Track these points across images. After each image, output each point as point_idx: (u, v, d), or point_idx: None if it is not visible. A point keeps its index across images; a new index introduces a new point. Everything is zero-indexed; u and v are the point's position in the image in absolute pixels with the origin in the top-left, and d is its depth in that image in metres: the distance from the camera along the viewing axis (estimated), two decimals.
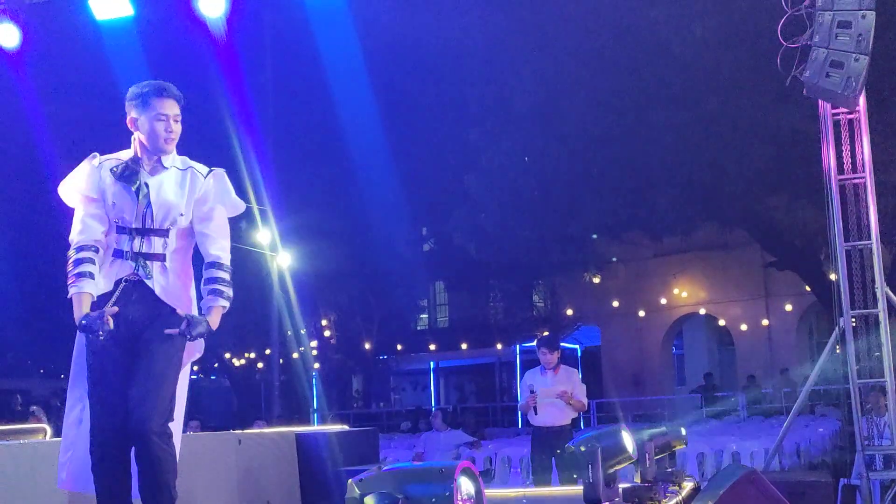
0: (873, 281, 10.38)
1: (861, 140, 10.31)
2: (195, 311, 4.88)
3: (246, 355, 34.12)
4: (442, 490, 3.58)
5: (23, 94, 16.30)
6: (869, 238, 10.35)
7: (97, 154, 4.96)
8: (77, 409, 4.97)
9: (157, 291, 4.80)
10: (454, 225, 22.85)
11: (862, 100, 10.05)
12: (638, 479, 6.15)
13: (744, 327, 32.27)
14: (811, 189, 12.75)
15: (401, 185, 21.87)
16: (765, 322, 31.98)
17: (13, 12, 11.77)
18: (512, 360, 34.49)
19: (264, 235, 22.87)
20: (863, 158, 10.34)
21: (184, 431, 5.15)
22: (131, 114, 4.90)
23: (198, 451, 7.01)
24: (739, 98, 16.46)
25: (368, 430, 10.17)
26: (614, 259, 30.06)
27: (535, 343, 11.23)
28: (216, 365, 37.38)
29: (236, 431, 8.78)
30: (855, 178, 10.42)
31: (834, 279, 10.94)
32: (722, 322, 33.17)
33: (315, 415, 28.78)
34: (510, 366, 35.14)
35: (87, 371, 4.81)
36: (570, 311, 34.41)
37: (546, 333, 17.46)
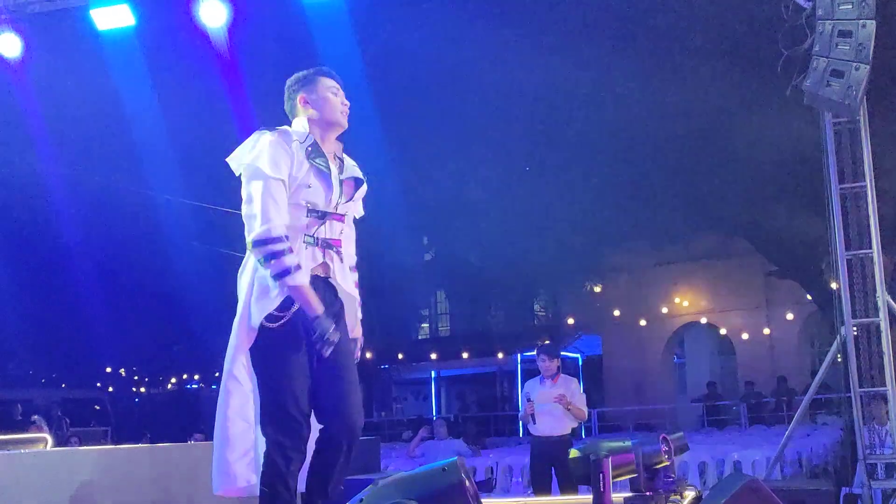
0: (875, 289, 10.39)
1: (862, 148, 10.32)
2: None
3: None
4: (452, 481, 3.57)
5: (24, 104, 16.31)
6: (870, 247, 10.36)
7: (287, 127, 4.79)
8: (247, 407, 4.64)
9: (339, 279, 4.70)
10: (455, 234, 22.87)
11: (862, 108, 10.06)
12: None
13: (745, 336, 32.25)
14: (812, 197, 12.75)
15: (402, 194, 21.89)
16: (766, 331, 31.96)
17: (15, 22, 11.80)
18: (513, 370, 34.48)
19: None
20: (863, 167, 10.35)
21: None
22: (300, 95, 4.83)
23: (199, 461, 7.01)
24: (740, 107, 16.49)
25: (370, 439, 10.16)
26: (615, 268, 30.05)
27: (535, 352, 11.24)
28: (217, 374, 37.40)
29: None
30: (856, 187, 10.43)
31: (835, 288, 10.95)
32: (723, 331, 33.15)
33: None
34: (511, 375, 35.11)
35: (282, 369, 4.49)
36: (571, 321, 34.39)
37: (546, 342, 17.46)
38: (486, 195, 20.15)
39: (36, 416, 18.10)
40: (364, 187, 4.95)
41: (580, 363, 35.66)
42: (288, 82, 4.95)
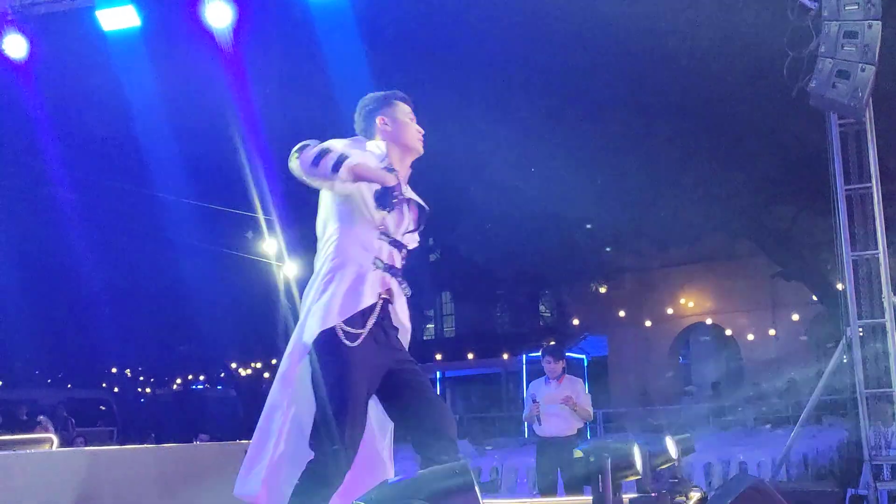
0: (880, 290, 10.38)
1: (868, 149, 10.31)
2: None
3: (252, 365, 34.17)
4: (464, 481, 3.55)
5: (30, 105, 16.34)
6: (876, 247, 10.35)
7: (362, 137, 4.72)
8: (299, 419, 4.53)
9: (398, 308, 4.58)
10: (460, 235, 22.86)
11: (868, 110, 10.05)
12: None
13: (751, 337, 32.23)
14: (818, 198, 12.76)
15: None
16: (771, 332, 31.93)
17: (20, 23, 11.82)
18: (518, 370, 34.47)
19: (270, 245, 22.91)
20: (869, 168, 10.34)
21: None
22: (379, 116, 4.75)
23: (204, 462, 7.03)
24: (746, 108, 16.47)
25: None
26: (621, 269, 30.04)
27: (540, 353, 11.22)
28: (222, 375, 37.45)
29: (242, 442, 8.78)
30: (861, 188, 10.42)
31: (841, 289, 10.95)
32: (729, 332, 33.12)
33: None
34: (517, 376, 35.09)
35: (346, 385, 4.33)
36: (576, 321, 34.40)
37: (552, 343, 17.45)
38: (492, 196, 20.14)
39: (42, 417, 18.12)
40: (424, 217, 4.86)
41: (586, 364, 35.65)
42: (363, 102, 4.88)
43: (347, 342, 4.30)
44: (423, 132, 4.81)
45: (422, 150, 4.76)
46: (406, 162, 4.74)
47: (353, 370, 4.31)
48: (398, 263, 4.57)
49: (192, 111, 19.28)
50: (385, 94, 4.82)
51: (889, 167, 13.70)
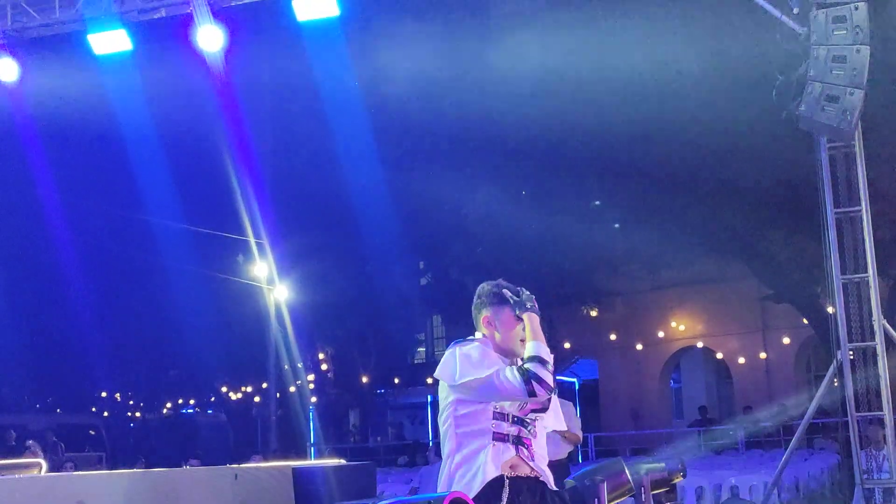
0: (871, 313, 10.38)
1: (857, 172, 10.34)
2: None
3: (243, 389, 34.09)
4: None
5: (21, 130, 16.35)
6: (866, 271, 10.36)
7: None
8: None
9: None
10: (451, 259, 22.88)
11: (858, 133, 10.09)
12: None
13: (742, 360, 32.23)
14: (808, 222, 12.79)
15: (399, 219, 21.92)
16: (762, 355, 31.95)
17: (12, 47, 11.84)
18: None
19: (262, 269, 22.91)
20: (859, 191, 10.37)
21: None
22: (484, 314, 4.77)
23: (194, 486, 6.98)
24: (735, 132, 16.54)
25: (365, 464, 10.10)
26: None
27: None
28: (213, 399, 37.33)
29: (233, 466, 8.74)
30: (851, 211, 10.44)
31: (831, 312, 10.95)
32: (720, 355, 33.13)
33: (312, 449, 28.68)
34: None
35: None
36: (567, 345, 34.37)
37: None
38: (482, 220, 20.18)
39: (31, 441, 17.99)
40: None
41: (576, 387, 35.61)
42: (481, 289, 4.87)
43: None
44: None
45: (521, 355, 4.67)
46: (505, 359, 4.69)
47: None
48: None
49: (184, 134, 19.31)
50: (498, 292, 4.79)
51: (879, 190, 13.75)
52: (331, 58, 17.19)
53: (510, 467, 4.44)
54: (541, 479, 4.53)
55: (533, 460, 4.55)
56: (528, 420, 4.58)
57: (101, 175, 20.86)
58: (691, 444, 26.64)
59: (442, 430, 4.56)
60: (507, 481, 4.39)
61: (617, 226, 21.53)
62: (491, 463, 4.38)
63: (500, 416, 4.49)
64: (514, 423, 4.52)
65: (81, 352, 28.93)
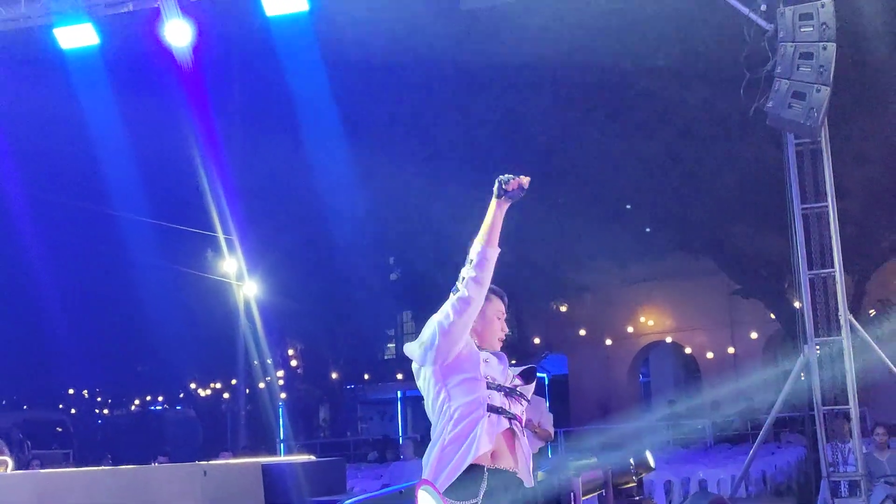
0: (837, 308, 10.47)
1: (824, 169, 10.42)
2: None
3: (212, 385, 33.93)
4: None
5: None
6: (832, 266, 10.45)
7: None
8: None
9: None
10: (421, 254, 22.86)
11: (824, 130, 10.17)
12: None
13: (710, 355, 32.42)
14: (775, 217, 12.88)
15: (368, 214, 21.88)
16: (730, 350, 32.15)
17: None
18: None
19: (231, 265, 22.79)
20: (825, 187, 10.45)
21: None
22: None
23: (163, 483, 6.95)
24: (704, 128, 16.63)
25: (335, 460, 10.10)
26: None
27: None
28: (182, 395, 37.16)
29: (202, 463, 8.70)
30: (818, 207, 10.52)
31: (798, 307, 11.03)
32: (688, 350, 33.31)
33: (281, 445, 28.59)
34: None
35: None
36: (537, 340, 34.46)
37: (512, 362, 17.44)
38: (451, 214, 20.17)
39: None
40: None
41: (546, 382, 35.69)
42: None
43: None
44: (506, 332, 4.86)
45: (498, 348, 4.76)
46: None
47: None
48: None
49: (152, 129, 19.17)
50: None
51: (845, 186, 13.88)
52: (299, 52, 17.13)
53: (494, 452, 4.45)
54: (518, 475, 4.54)
55: (523, 434, 4.59)
56: (518, 392, 4.62)
57: (68, 170, 20.69)
58: (660, 439, 26.80)
59: (435, 407, 4.54)
60: (486, 473, 4.40)
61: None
62: (486, 435, 4.38)
63: (493, 386, 4.52)
64: (506, 395, 4.56)
65: (48, 348, 28.72)
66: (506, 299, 4.81)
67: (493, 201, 4.53)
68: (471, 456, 4.34)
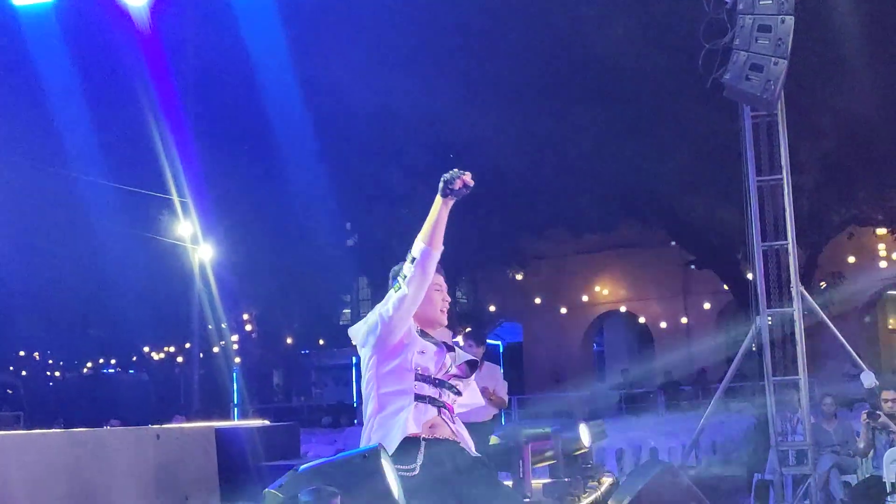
0: (789, 280, 10.59)
1: (779, 142, 10.51)
2: None
3: (165, 349, 33.72)
4: (372, 469, 3.56)
5: None
6: (785, 238, 10.56)
7: None
8: None
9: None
10: (377, 220, 22.81)
11: (780, 103, 10.25)
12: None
13: (663, 325, 32.72)
14: (730, 189, 12.98)
15: (325, 178, 21.77)
16: (683, 320, 32.46)
17: None
18: None
19: (185, 228, 22.63)
20: (780, 160, 10.54)
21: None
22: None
23: (116, 446, 6.93)
24: (660, 98, 16.67)
25: (289, 424, 10.12)
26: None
27: (459, 338, 11.23)
28: (135, 359, 36.89)
29: (155, 426, 8.68)
30: (772, 180, 10.62)
31: (751, 278, 11.15)
32: (642, 319, 33.58)
33: (235, 409, 28.53)
34: None
35: None
36: (492, 308, 34.55)
37: (468, 329, 17.48)
38: (408, 181, 20.13)
39: None
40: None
41: (501, 350, 35.86)
42: (394, 270, 4.73)
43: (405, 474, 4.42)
44: (448, 301, 4.80)
45: (444, 322, 4.73)
46: (430, 331, 4.71)
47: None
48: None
49: (108, 90, 18.93)
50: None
51: (800, 159, 14.00)
52: (258, 14, 16.97)
53: (430, 427, 4.47)
54: (461, 444, 4.56)
55: (454, 423, 4.59)
56: (449, 384, 4.61)
57: (21, 129, 20.38)
58: (612, 407, 27.06)
59: (364, 392, 4.59)
60: (423, 442, 4.41)
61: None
62: (412, 420, 4.40)
63: (423, 378, 4.52)
64: (436, 385, 4.55)
65: None
66: (442, 271, 4.75)
67: (438, 199, 4.46)
68: (398, 436, 4.38)
